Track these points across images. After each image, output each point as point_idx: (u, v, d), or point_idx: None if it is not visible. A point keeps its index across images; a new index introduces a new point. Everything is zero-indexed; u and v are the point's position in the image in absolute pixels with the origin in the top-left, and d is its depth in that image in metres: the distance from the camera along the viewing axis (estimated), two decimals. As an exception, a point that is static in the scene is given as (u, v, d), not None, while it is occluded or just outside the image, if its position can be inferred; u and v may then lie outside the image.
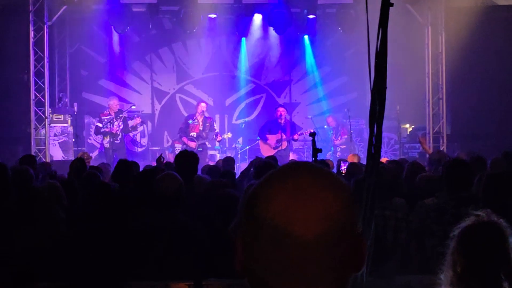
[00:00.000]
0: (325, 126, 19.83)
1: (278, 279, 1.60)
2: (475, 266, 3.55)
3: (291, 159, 16.08)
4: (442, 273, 3.66)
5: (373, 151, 3.42)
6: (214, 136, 18.27)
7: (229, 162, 12.51)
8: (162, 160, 11.95)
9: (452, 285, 3.58)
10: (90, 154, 17.68)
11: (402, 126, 20.02)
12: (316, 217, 1.58)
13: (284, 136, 18.37)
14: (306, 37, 21.11)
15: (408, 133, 20.77)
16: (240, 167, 16.87)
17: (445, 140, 19.58)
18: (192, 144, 17.95)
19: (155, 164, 12.21)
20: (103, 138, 18.29)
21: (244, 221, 1.67)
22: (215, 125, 18.88)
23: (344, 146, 19.25)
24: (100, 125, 18.21)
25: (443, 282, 3.63)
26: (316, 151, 5.89)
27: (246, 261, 1.66)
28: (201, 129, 18.13)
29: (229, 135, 19.26)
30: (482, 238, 3.63)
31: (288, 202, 1.59)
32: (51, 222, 6.42)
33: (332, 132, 19.67)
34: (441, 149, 19.17)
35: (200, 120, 18.18)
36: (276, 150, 18.06)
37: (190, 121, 18.29)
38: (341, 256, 1.62)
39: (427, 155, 13.04)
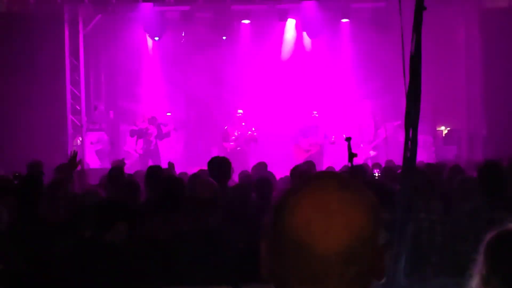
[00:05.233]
0: None
1: (301, 287, 1.64)
2: (499, 272, 3.52)
3: (329, 166, 16.02)
4: (472, 277, 3.65)
5: (408, 155, 3.42)
6: (249, 132, 18.23)
7: (261, 168, 12.45)
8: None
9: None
10: (125, 161, 17.82)
11: (437, 128, 19.91)
12: (338, 232, 1.61)
13: (317, 140, 18.36)
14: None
15: (444, 135, 20.64)
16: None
17: (481, 142, 19.43)
18: (231, 146, 18.00)
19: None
20: (136, 143, 18.42)
21: (270, 229, 1.70)
22: (253, 129, 18.83)
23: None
24: (135, 128, 18.39)
25: (471, 286, 3.62)
26: (351, 155, 5.87)
27: (271, 267, 1.69)
28: (239, 133, 18.17)
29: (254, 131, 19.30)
30: (508, 244, 3.59)
31: (312, 216, 1.62)
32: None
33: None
34: (477, 151, 19.04)
35: (238, 124, 18.24)
36: (308, 154, 18.06)
37: (226, 127, 18.37)
38: (362, 268, 1.64)
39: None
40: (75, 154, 8.45)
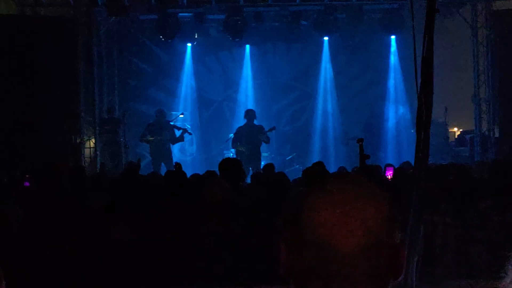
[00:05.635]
0: None
1: (320, 285, 1.68)
2: None
3: (341, 166, 16.03)
4: (508, 273, 3.62)
5: (420, 156, 3.44)
6: (267, 131, 18.32)
7: (269, 169, 12.44)
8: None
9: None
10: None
11: (450, 130, 19.88)
12: (357, 230, 1.66)
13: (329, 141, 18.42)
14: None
15: (456, 136, 20.61)
16: (288, 173, 16.86)
17: (493, 143, 19.39)
18: (243, 148, 18.02)
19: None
20: (150, 147, 18.44)
21: (289, 228, 1.75)
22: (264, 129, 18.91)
23: None
24: (146, 133, 18.39)
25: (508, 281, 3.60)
26: (363, 157, 5.90)
27: (290, 266, 1.73)
28: (252, 134, 18.23)
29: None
30: None
31: (331, 216, 1.67)
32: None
33: None
34: (490, 152, 19.00)
35: (249, 126, 18.30)
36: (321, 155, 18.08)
37: (238, 128, 18.40)
38: (380, 266, 1.69)
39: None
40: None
